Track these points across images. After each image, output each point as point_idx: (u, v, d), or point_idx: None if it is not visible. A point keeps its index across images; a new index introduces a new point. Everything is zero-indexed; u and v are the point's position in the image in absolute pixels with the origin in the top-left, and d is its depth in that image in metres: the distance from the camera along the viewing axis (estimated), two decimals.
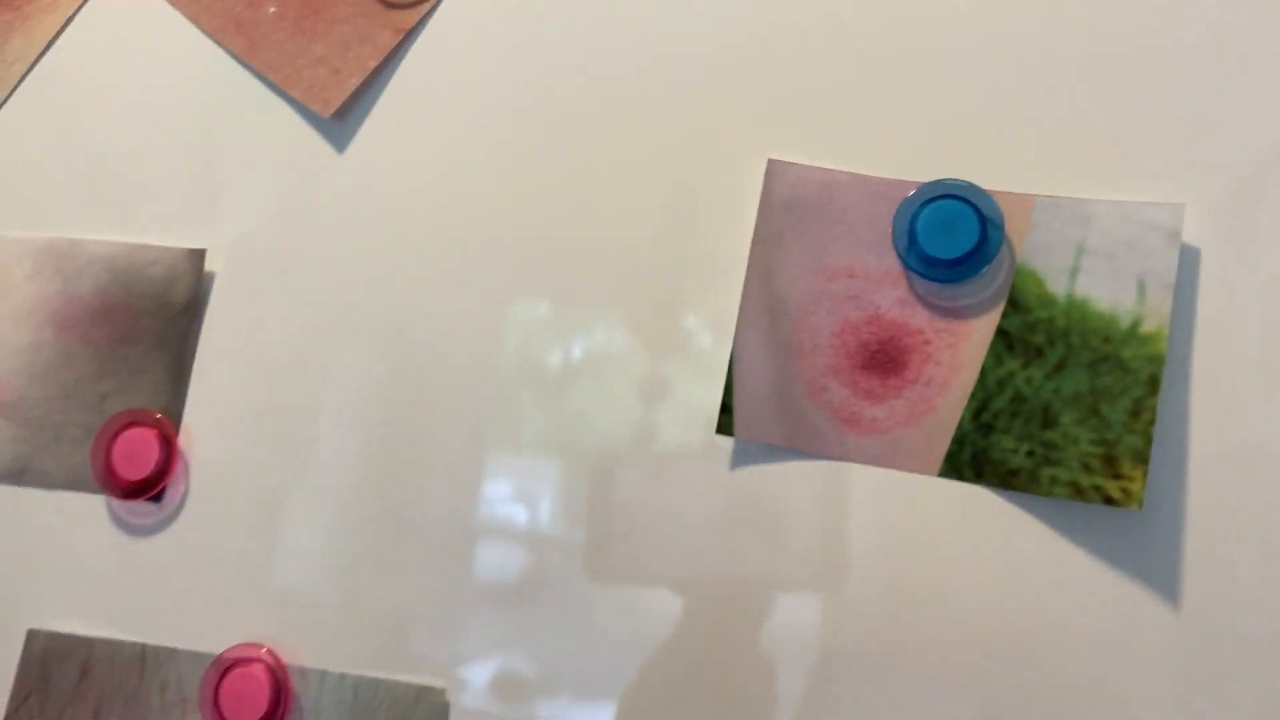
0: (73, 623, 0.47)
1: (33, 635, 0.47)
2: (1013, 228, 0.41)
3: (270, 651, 0.45)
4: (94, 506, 0.49)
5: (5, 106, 0.54)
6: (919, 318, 0.42)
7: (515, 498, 0.45)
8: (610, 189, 0.46)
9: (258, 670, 0.45)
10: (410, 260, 0.48)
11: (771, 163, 0.44)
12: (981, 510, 0.40)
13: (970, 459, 0.41)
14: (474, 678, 0.44)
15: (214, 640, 0.46)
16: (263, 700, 0.44)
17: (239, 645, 0.45)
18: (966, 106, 0.43)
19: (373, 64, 0.50)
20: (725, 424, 0.43)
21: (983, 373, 0.41)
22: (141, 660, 0.47)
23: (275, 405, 0.48)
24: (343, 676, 0.45)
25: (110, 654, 0.47)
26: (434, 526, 0.45)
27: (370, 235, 0.49)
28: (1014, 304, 0.41)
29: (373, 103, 0.49)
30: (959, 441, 0.41)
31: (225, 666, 0.45)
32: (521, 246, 0.46)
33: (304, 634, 0.46)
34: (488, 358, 0.46)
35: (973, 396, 0.41)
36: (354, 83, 0.50)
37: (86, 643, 0.47)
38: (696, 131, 0.45)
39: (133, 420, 0.48)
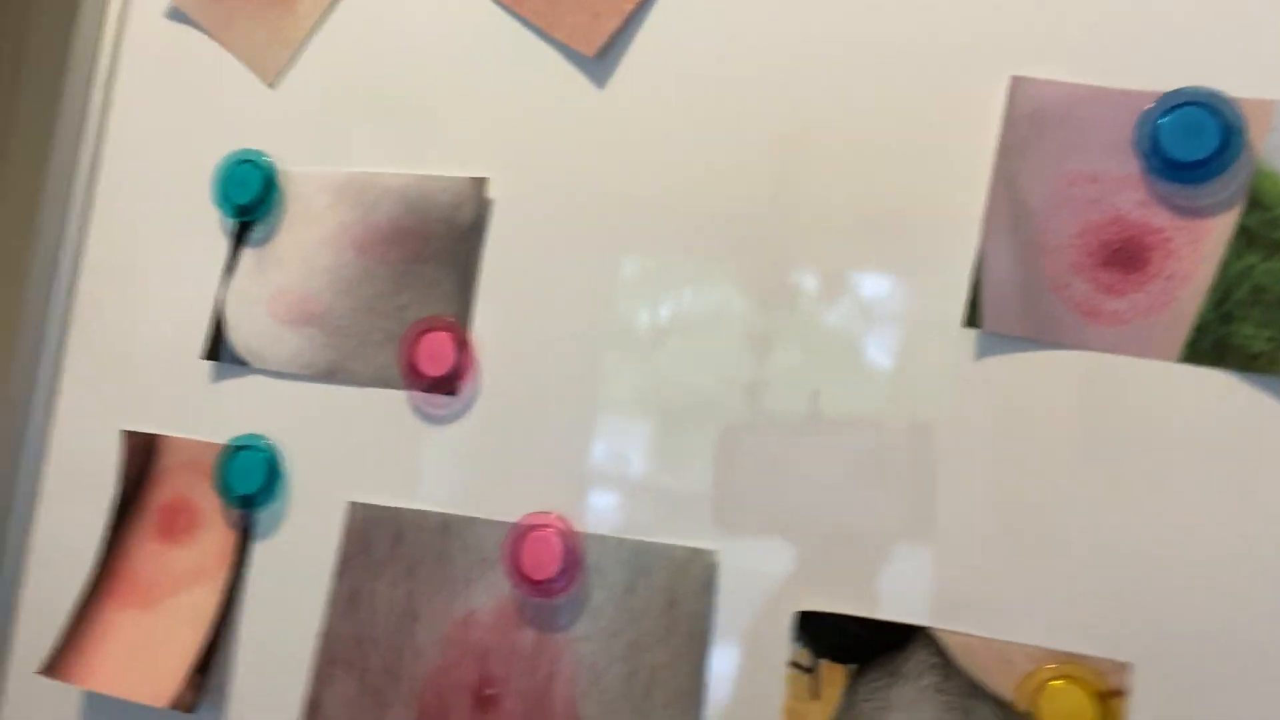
0: (384, 497, 0.56)
1: (353, 507, 0.56)
2: (1253, 131, 0.44)
3: (559, 518, 0.52)
4: (397, 400, 0.57)
5: (301, 58, 0.62)
6: (1160, 217, 0.46)
7: None
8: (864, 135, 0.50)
9: (550, 534, 0.52)
10: (660, 189, 0.54)
11: (1015, 79, 0.48)
12: (1220, 392, 0.44)
13: (1211, 346, 0.44)
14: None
15: (505, 511, 0.53)
16: (555, 558, 0.51)
17: (533, 514, 0.53)
18: (1203, 18, 0.46)
19: (629, 7, 0.55)
20: (973, 318, 0.47)
21: (1223, 266, 0.44)
22: (445, 527, 0.54)
23: (551, 314, 0.55)
24: (621, 540, 0.52)
25: (418, 522, 0.55)
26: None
27: (627, 162, 0.55)
28: (1254, 202, 0.44)
29: (629, 42, 0.55)
30: (1199, 330, 0.44)
31: (523, 530, 0.52)
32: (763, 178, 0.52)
33: (584, 505, 0.53)
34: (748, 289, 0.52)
35: (1213, 289, 0.44)
36: (613, 25, 0.55)
37: (397, 513, 0.55)
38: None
39: (432, 325, 0.56)
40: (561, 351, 0.54)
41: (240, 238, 0.61)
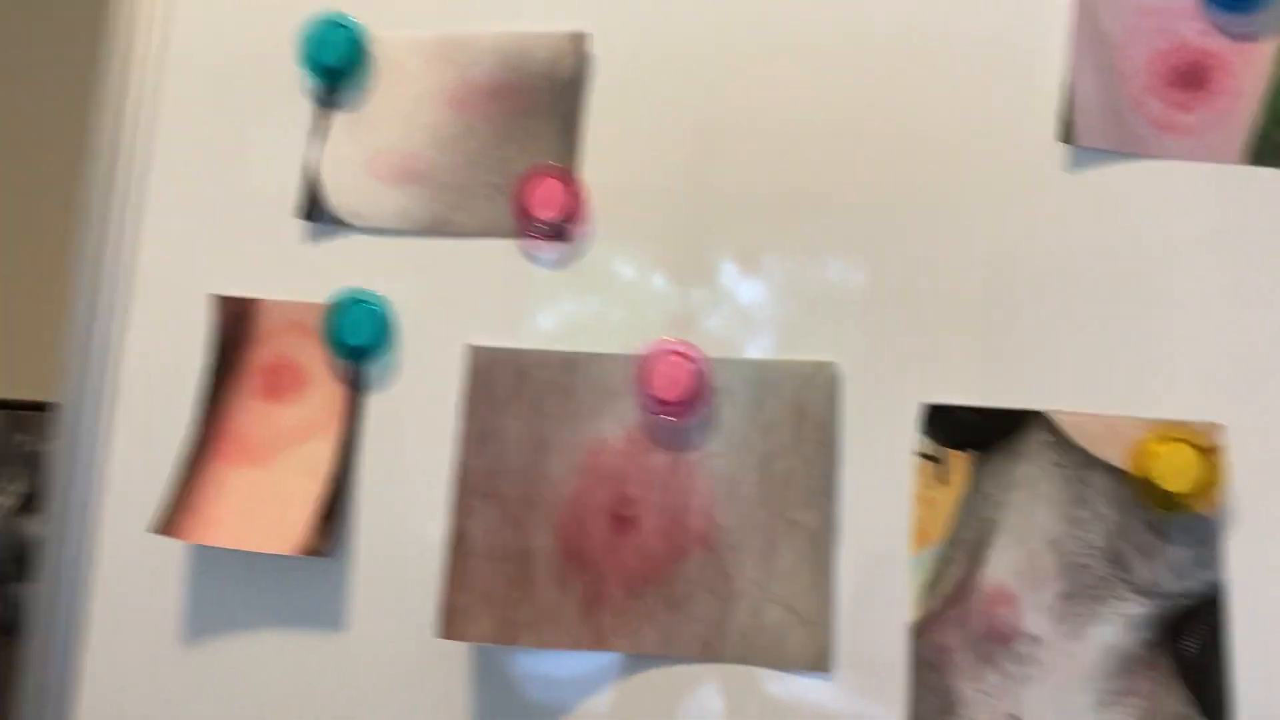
0: (502, 341, 0.57)
1: (474, 350, 0.57)
2: None
3: (684, 343, 0.55)
4: (508, 248, 0.58)
5: None
6: (1218, 42, 0.52)
7: None
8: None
9: (677, 358, 0.54)
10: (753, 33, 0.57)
11: None
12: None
13: (1271, 149, 0.51)
14: None
15: (625, 346, 0.56)
16: (685, 380, 0.54)
17: (658, 341, 0.55)
18: None
19: None
20: (1068, 134, 0.53)
21: (1273, 81, 0.51)
22: (568, 364, 0.56)
23: (657, 160, 0.57)
24: (746, 360, 0.55)
25: (540, 361, 0.56)
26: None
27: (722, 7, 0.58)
28: None
29: None
30: (1260, 137, 0.51)
31: (652, 357, 0.54)
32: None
33: (705, 335, 0.55)
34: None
35: (1265, 101, 0.51)
36: None
37: (518, 353, 0.56)
38: None
39: (542, 173, 0.57)
40: (671, 195, 0.57)
41: (328, 101, 0.61)
